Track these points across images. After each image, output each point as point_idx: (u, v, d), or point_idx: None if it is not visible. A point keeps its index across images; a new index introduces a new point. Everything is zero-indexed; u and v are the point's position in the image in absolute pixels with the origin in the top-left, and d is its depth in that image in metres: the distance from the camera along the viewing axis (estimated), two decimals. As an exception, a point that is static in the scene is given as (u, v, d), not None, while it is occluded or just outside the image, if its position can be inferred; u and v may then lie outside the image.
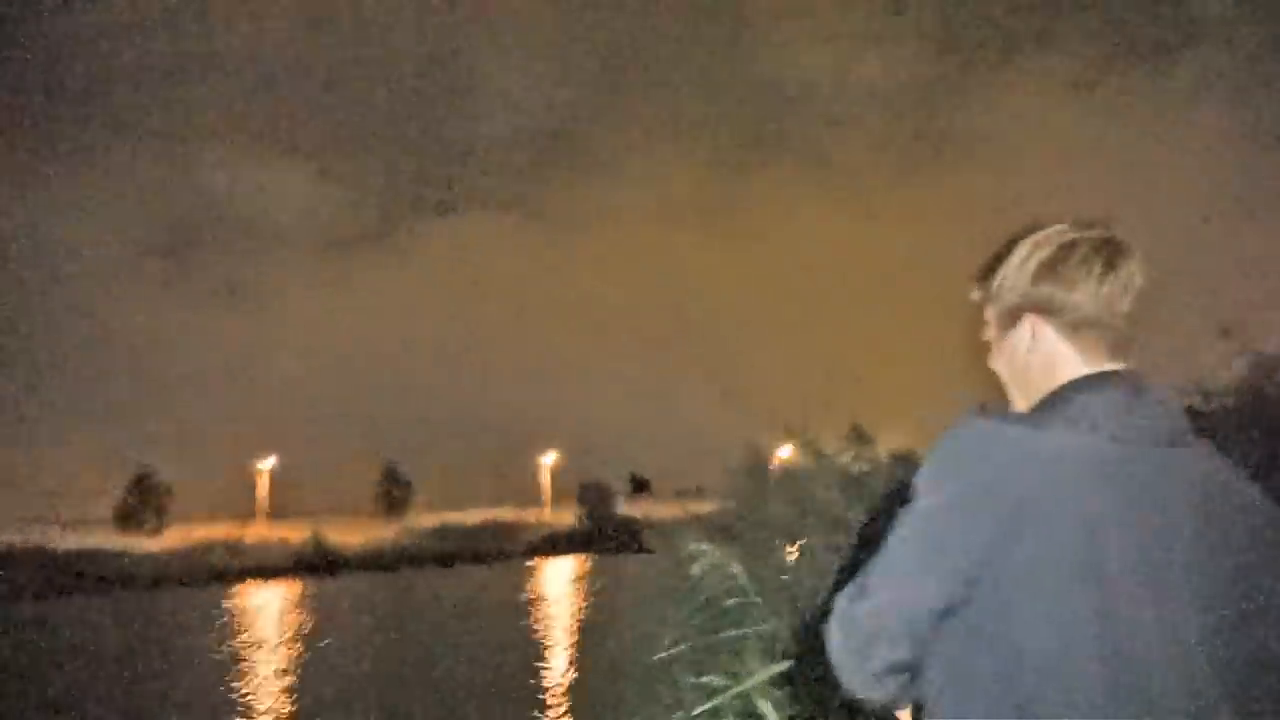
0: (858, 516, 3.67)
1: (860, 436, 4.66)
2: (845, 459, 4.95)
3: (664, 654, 2.99)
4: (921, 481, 1.21)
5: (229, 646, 18.57)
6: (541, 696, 11.86)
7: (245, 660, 16.57)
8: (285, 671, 15.31)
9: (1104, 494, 1.13)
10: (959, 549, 1.14)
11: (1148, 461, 1.16)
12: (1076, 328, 1.26)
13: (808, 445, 5.08)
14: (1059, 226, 1.30)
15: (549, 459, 61.87)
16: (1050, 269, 1.28)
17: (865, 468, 4.96)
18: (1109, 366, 1.25)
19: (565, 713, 10.80)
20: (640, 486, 70.64)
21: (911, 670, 1.19)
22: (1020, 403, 1.33)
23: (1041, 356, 1.30)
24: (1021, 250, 1.31)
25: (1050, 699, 1.08)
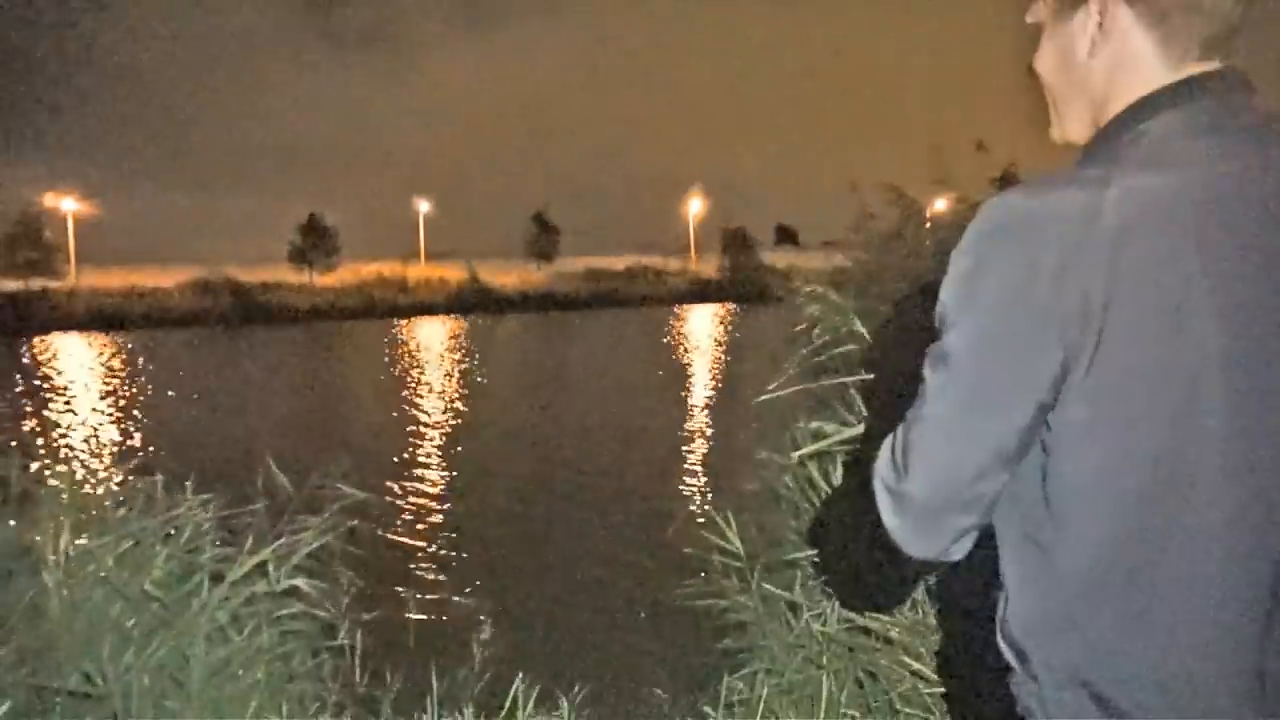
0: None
1: (1008, 184, 4.27)
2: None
3: (770, 395, 3.00)
4: (949, 299, 0.91)
5: (397, 375, 20.36)
6: (670, 439, 12.50)
7: (412, 389, 18.17)
8: (447, 403, 16.71)
9: (1204, 261, 0.83)
10: (1018, 384, 0.87)
11: (1264, 201, 0.85)
12: (1164, 15, 0.91)
13: (953, 195, 4.75)
14: None
15: (695, 207, 61.58)
16: None
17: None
18: (1201, 68, 0.91)
19: (694, 452, 11.40)
20: (786, 236, 69.67)
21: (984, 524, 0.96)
22: (1072, 124, 1.01)
23: (1110, 55, 0.95)
24: None
25: (1164, 526, 0.85)
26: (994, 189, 4.29)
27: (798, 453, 2.85)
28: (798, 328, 3.15)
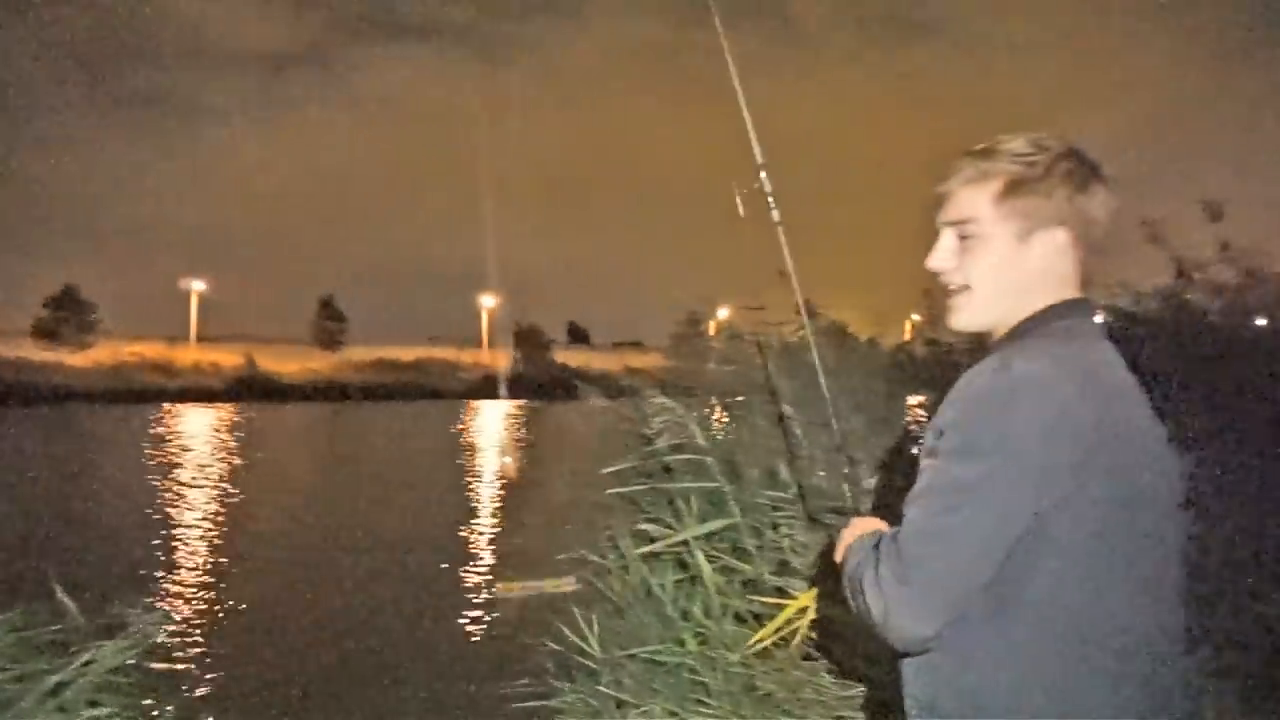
0: (791, 386, 3.81)
1: (808, 311, 4.74)
2: (786, 329, 5.07)
3: (602, 497, 3.19)
4: (961, 433, 1.11)
5: (155, 467, 18.67)
6: (476, 537, 12.27)
7: (176, 486, 16.71)
8: (219, 501, 15.53)
9: (1135, 421, 1.15)
10: (1027, 507, 1.08)
11: (1123, 391, 1.17)
12: (1091, 252, 1.22)
13: (748, 311, 5.16)
14: (1069, 142, 1.21)
15: (489, 302, 61.66)
16: (1090, 184, 1.20)
17: (806, 338, 5.10)
18: (1081, 294, 1.23)
19: (498, 551, 11.24)
20: (578, 336, 71.08)
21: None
22: (983, 315, 1.23)
23: (1054, 274, 1.20)
24: (1064, 158, 1.19)
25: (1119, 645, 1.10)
26: (793, 313, 4.73)
27: (642, 549, 3.03)
28: (645, 432, 3.39)
